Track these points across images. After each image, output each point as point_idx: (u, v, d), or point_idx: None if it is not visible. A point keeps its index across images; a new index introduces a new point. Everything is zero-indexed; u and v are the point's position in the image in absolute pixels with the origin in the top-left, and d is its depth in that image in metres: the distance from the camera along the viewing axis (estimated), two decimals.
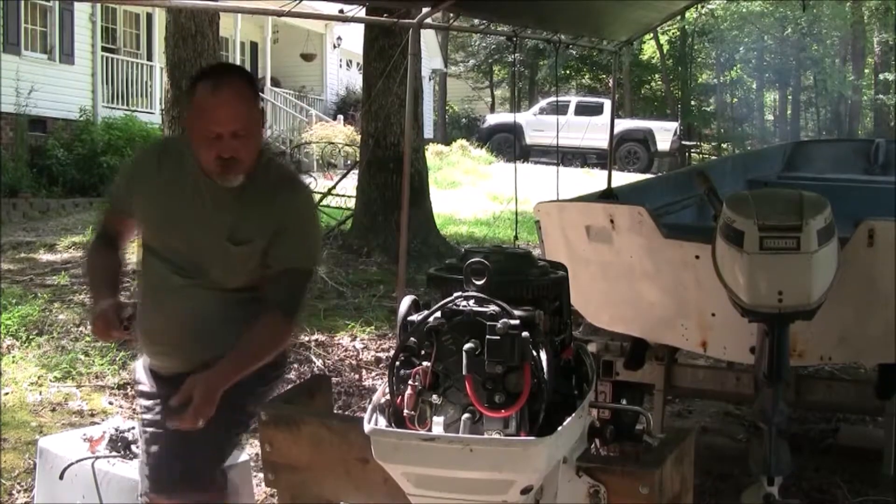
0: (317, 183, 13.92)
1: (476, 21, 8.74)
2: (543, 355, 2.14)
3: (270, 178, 2.88)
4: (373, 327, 7.63)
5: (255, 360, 2.79)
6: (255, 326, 2.78)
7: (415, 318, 2.22)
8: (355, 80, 25.06)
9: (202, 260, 2.85)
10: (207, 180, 2.82)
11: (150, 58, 20.16)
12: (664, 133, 27.11)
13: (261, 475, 3.16)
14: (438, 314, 2.17)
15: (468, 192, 18.78)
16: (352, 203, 11.63)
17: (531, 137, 26.76)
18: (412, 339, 2.19)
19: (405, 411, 2.15)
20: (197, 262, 2.85)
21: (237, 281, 2.87)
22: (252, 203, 2.83)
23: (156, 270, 2.91)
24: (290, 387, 3.27)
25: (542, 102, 29.98)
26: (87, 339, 6.65)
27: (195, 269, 2.85)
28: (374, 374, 6.57)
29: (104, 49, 18.92)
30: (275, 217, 2.84)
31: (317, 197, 12.59)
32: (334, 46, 26.81)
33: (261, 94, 22.08)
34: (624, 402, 4.72)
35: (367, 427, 2.16)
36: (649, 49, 36.79)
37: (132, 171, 3.11)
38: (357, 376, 6.56)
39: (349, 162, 17.47)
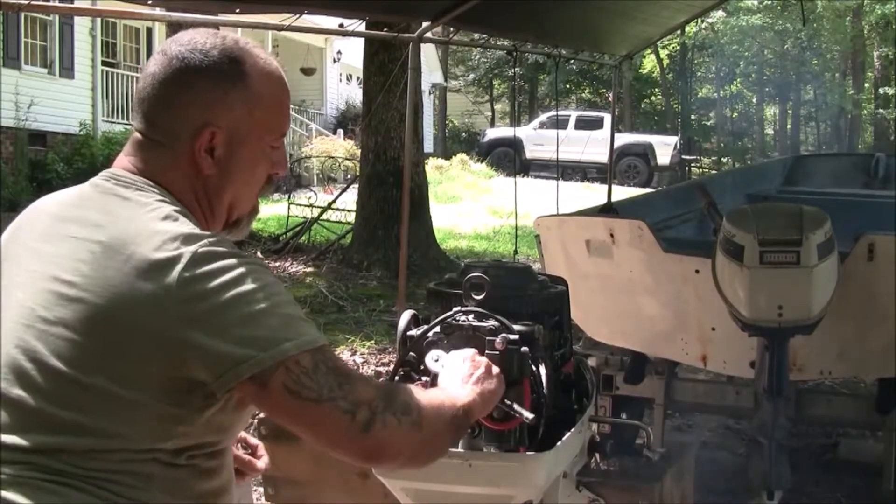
0: (317, 197, 13.93)
1: (476, 35, 8.78)
2: (543, 370, 2.13)
3: None
4: (372, 341, 7.62)
5: None
6: None
7: (414, 332, 2.22)
8: (355, 94, 25.11)
9: None
10: None
11: None
12: (664, 147, 27.12)
13: (260, 489, 3.15)
14: (438, 329, 2.17)
15: (468, 207, 18.77)
16: (352, 217, 11.63)
17: (531, 152, 26.78)
18: (412, 353, 2.18)
19: None
20: None
21: None
22: None
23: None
24: None
25: (542, 117, 30.00)
26: None
27: None
28: None
29: (104, 63, 18.98)
30: None
31: (317, 211, 12.61)
32: (334, 61, 26.88)
33: None
34: (624, 416, 4.71)
35: None
36: (649, 63, 36.91)
37: None
38: None
39: (349, 176, 17.48)
